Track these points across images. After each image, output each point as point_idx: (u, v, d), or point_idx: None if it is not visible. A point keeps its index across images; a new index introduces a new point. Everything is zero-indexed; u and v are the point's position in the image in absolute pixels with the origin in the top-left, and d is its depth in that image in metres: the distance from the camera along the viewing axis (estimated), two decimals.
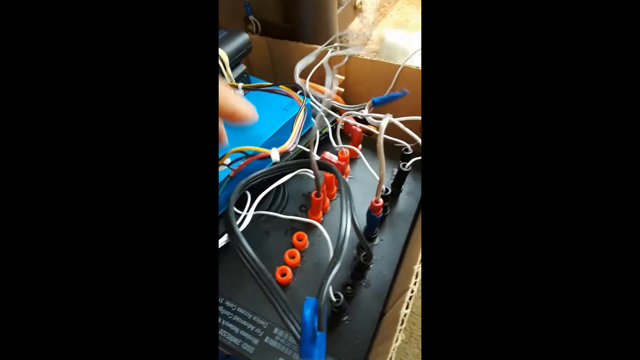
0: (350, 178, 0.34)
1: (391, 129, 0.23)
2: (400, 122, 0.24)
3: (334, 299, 0.22)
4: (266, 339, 0.24)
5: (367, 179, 0.33)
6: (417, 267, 0.19)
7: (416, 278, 0.19)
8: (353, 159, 0.36)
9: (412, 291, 0.19)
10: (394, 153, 0.33)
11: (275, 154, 0.26)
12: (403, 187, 0.32)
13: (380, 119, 0.28)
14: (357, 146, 0.35)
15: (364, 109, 0.27)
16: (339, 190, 0.33)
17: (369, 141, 0.36)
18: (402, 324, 0.17)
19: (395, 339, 0.17)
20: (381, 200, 0.24)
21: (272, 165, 0.29)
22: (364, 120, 0.37)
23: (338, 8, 0.42)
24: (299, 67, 0.29)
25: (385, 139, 0.23)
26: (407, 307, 0.18)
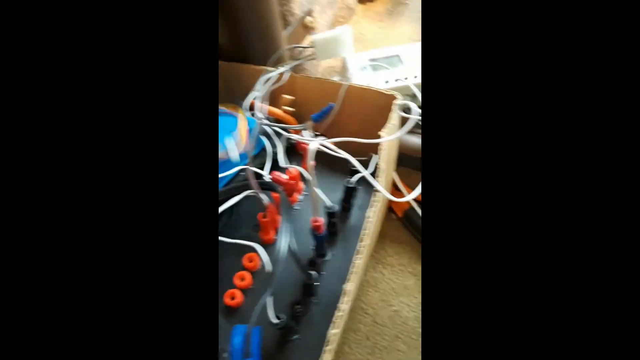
0: (305, 194, 0.34)
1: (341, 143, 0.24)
2: (336, 143, 0.25)
3: (275, 321, 0.22)
4: None
5: (322, 194, 0.33)
6: (346, 286, 0.20)
7: (346, 297, 0.19)
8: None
9: (340, 310, 0.19)
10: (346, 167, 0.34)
11: (233, 151, 0.26)
12: (354, 201, 0.32)
13: (320, 135, 0.29)
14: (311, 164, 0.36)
15: (305, 128, 0.28)
16: (291, 208, 0.33)
17: (322, 155, 0.36)
18: (327, 345, 0.17)
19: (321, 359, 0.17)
20: (320, 219, 0.25)
21: (223, 186, 0.29)
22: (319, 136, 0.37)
23: (287, 28, 0.43)
24: (248, 99, 0.30)
25: (333, 155, 0.23)
26: (335, 327, 0.18)
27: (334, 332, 0.18)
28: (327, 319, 0.27)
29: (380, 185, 0.26)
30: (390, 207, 0.42)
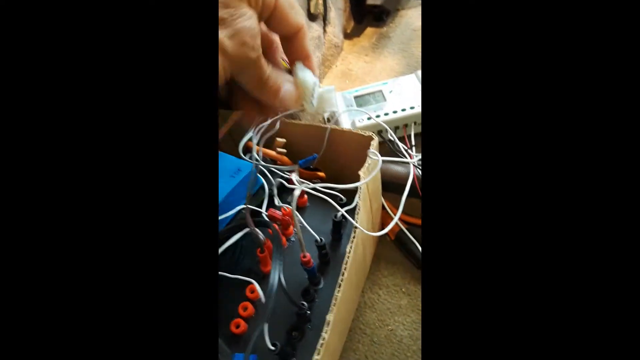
0: (297, 229, 0.38)
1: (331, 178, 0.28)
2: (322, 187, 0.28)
3: (271, 347, 0.25)
4: None
5: (315, 227, 0.37)
6: (329, 317, 0.23)
7: (327, 326, 0.23)
8: (302, 207, 0.40)
9: (323, 338, 0.22)
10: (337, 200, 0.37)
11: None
12: (344, 231, 0.36)
13: (304, 181, 0.33)
14: (302, 198, 0.40)
15: (293, 171, 0.32)
16: (288, 240, 0.37)
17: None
18: None
19: None
20: (307, 255, 0.28)
21: (225, 225, 0.33)
22: (309, 170, 0.42)
23: None
24: (243, 142, 0.35)
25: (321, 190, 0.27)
26: (317, 354, 0.22)
27: (317, 358, 0.21)
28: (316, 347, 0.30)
29: (360, 221, 0.29)
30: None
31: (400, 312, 0.40)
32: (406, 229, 0.44)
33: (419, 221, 0.45)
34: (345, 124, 0.50)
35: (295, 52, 0.25)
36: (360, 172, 0.32)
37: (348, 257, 0.27)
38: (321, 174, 0.45)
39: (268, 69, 0.22)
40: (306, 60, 0.25)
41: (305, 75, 0.24)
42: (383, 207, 0.45)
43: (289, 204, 0.40)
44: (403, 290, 0.42)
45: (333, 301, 0.24)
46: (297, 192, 0.25)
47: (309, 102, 0.25)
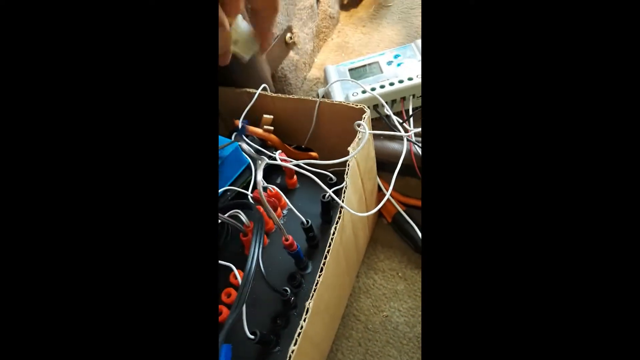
0: (288, 209, 0.36)
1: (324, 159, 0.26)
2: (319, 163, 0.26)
3: (250, 336, 0.24)
4: None
5: (306, 208, 0.35)
6: (308, 304, 0.21)
7: (306, 314, 0.21)
8: (292, 189, 0.38)
9: (302, 327, 0.20)
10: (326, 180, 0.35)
11: None
12: (334, 212, 0.34)
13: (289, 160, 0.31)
14: (291, 179, 0.37)
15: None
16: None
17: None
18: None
19: None
20: (290, 237, 0.26)
21: None
22: (301, 149, 0.39)
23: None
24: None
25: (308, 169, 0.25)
26: (294, 344, 0.20)
27: (292, 348, 0.19)
28: None
29: (348, 201, 0.27)
30: (380, 213, 0.43)
31: (397, 297, 0.38)
32: (404, 211, 0.41)
33: (418, 202, 0.43)
34: (339, 99, 0.46)
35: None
36: (350, 148, 0.29)
37: (332, 240, 0.24)
38: (314, 153, 0.42)
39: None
40: (269, 10, 0.24)
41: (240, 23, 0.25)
42: (380, 188, 0.42)
43: (277, 185, 0.38)
44: (399, 274, 0.40)
45: (314, 287, 0.22)
46: (262, 164, 0.22)
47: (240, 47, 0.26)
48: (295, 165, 0.29)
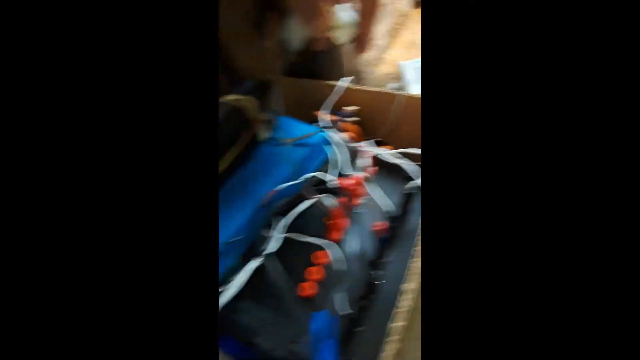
0: (366, 199, 0.37)
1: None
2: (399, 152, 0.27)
3: (347, 311, 0.25)
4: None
5: (380, 199, 0.36)
6: (404, 286, 0.22)
7: (401, 296, 0.22)
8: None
9: (399, 308, 0.22)
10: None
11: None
12: (412, 206, 0.34)
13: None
14: (370, 170, 0.38)
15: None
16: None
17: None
18: (387, 337, 0.20)
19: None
20: (382, 223, 0.27)
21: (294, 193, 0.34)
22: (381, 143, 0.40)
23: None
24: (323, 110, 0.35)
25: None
26: (395, 322, 0.21)
27: (394, 325, 0.21)
28: (387, 315, 0.29)
29: None
30: None
31: None
32: None
33: None
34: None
35: None
36: None
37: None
38: (390, 147, 0.43)
39: None
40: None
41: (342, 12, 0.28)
42: None
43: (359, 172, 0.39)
44: None
45: (406, 271, 0.23)
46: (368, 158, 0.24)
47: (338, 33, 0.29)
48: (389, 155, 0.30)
